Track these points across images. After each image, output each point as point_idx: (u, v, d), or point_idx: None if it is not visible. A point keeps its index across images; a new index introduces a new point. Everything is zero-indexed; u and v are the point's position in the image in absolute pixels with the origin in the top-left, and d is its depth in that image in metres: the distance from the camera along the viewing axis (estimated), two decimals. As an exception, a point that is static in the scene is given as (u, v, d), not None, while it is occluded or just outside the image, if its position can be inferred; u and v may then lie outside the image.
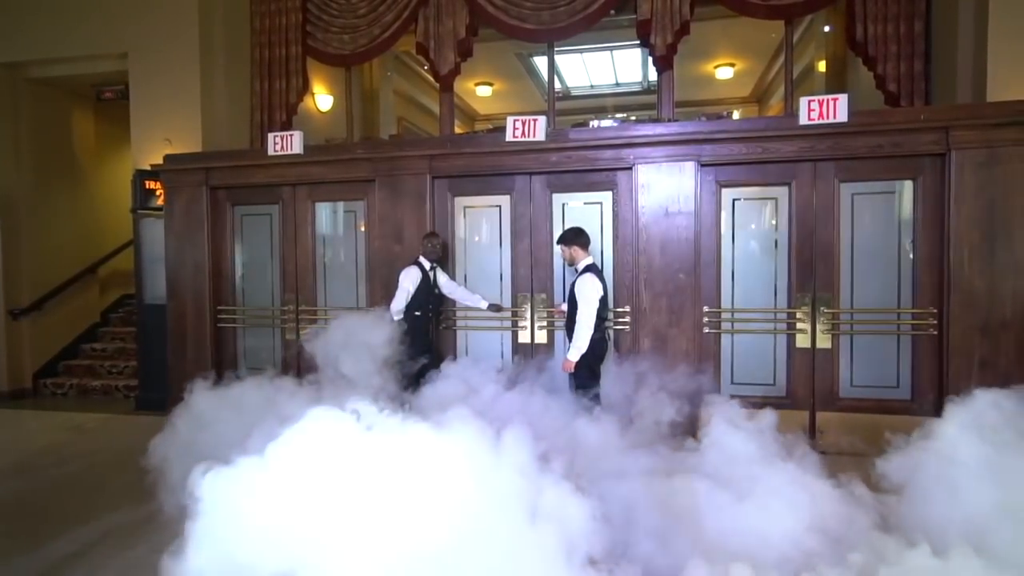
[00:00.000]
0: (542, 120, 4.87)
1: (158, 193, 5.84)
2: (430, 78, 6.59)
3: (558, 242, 4.44)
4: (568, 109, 10.07)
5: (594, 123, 8.40)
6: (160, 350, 5.66)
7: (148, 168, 5.83)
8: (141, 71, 6.16)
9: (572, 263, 4.29)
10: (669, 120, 5.48)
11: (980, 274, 4.16)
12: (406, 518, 1.81)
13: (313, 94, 7.22)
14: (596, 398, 4.16)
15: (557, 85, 8.13)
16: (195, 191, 5.54)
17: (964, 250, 4.18)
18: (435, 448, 1.95)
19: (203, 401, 3.34)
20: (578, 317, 4.09)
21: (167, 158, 5.65)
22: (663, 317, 4.61)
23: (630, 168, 4.70)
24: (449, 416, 2.11)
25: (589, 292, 4.06)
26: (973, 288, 4.17)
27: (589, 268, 4.18)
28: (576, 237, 4.27)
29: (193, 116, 6.04)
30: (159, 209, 5.80)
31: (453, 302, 5.05)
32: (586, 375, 4.17)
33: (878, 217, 4.49)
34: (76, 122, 7.33)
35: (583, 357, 4.12)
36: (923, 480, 2.42)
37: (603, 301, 4.13)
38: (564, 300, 4.85)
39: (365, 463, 1.90)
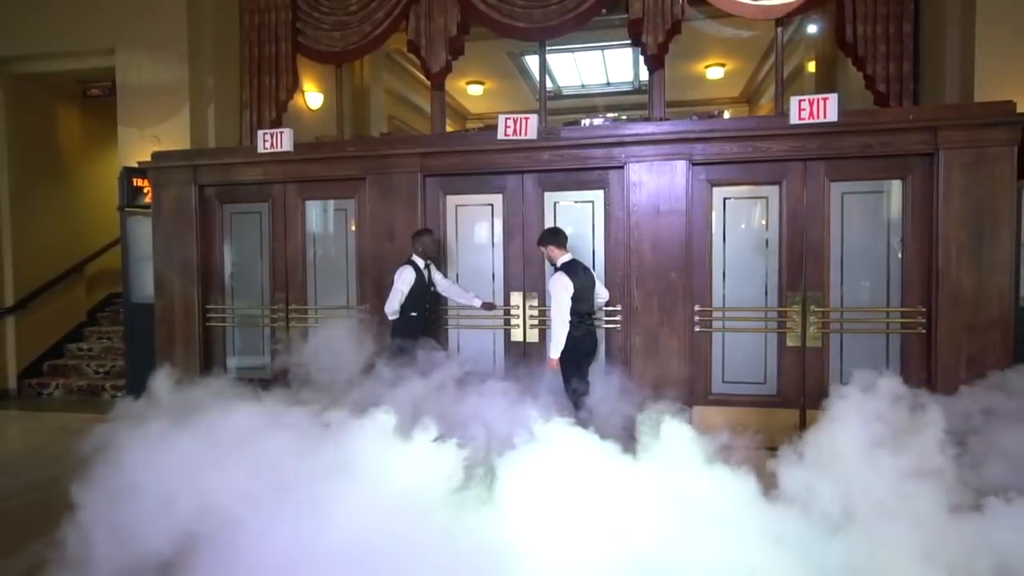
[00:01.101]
0: (534, 118, 4.87)
1: (146, 191, 5.77)
2: (421, 76, 6.57)
3: (536, 243, 4.50)
4: (560, 109, 10.07)
5: (585, 122, 8.41)
6: (148, 350, 5.59)
7: (135, 165, 5.76)
8: (128, 68, 6.08)
9: (552, 262, 4.35)
10: (660, 119, 5.49)
11: (968, 273, 4.19)
12: None
13: (303, 92, 7.17)
14: (584, 395, 4.18)
15: (548, 84, 8.12)
16: (183, 189, 5.48)
17: (952, 249, 4.21)
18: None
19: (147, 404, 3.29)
20: (551, 315, 4.17)
21: (155, 155, 5.59)
22: (654, 316, 4.62)
23: (622, 167, 4.70)
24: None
25: (557, 290, 4.13)
26: (961, 287, 4.20)
27: (564, 265, 4.23)
28: (550, 237, 4.34)
29: (181, 113, 5.98)
30: (147, 207, 5.73)
31: (446, 300, 5.04)
32: (573, 372, 4.19)
33: (867, 216, 4.52)
34: (61, 119, 7.23)
35: (569, 354, 4.16)
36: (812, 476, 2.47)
37: (580, 297, 4.16)
38: None
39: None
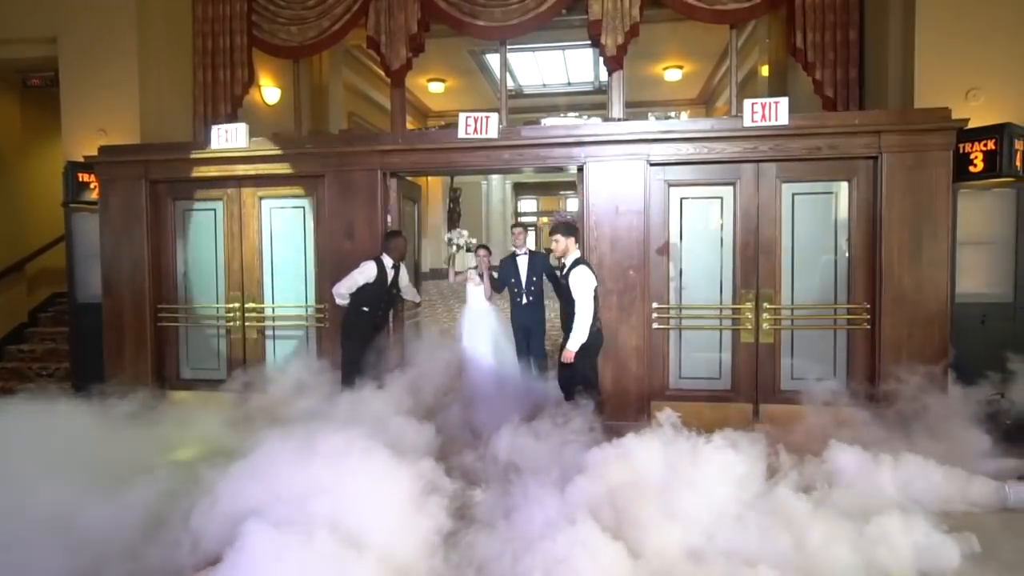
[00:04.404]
0: (494, 117, 4.88)
1: (92, 186, 5.55)
2: (381, 73, 6.49)
3: (552, 232, 4.39)
4: (521, 107, 10.11)
5: (546, 122, 8.46)
6: (95, 351, 5.38)
7: (81, 160, 5.53)
8: (72, 57, 5.83)
9: (563, 256, 4.26)
10: (619, 120, 5.57)
11: (908, 271, 4.40)
12: None
13: (259, 86, 7.01)
14: (596, 391, 4.18)
15: (510, 83, 8.15)
16: (133, 185, 5.30)
17: (894, 248, 4.41)
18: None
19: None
20: (577, 309, 4.06)
21: (102, 150, 5.38)
22: (613, 314, 4.69)
23: (581, 166, 4.75)
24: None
25: (585, 283, 4.07)
26: (902, 284, 4.41)
27: (581, 260, 4.20)
28: (572, 229, 4.30)
29: (130, 106, 5.76)
30: (93, 203, 5.51)
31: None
32: (587, 367, 4.18)
33: (817, 217, 4.69)
34: (-1, 110, 6.89)
35: (585, 349, 4.10)
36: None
37: (596, 292, 4.16)
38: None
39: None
